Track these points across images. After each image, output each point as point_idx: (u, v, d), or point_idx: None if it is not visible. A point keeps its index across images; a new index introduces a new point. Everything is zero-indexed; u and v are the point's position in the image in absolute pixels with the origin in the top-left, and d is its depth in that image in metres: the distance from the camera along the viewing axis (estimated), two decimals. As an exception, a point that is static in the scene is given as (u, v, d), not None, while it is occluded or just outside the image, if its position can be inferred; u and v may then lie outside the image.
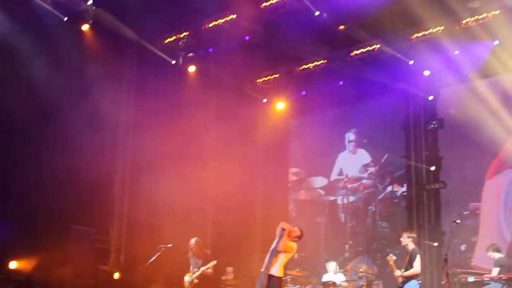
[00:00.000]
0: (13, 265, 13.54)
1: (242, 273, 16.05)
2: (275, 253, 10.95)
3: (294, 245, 11.19)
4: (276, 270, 11.13)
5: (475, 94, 15.56)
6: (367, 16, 14.64)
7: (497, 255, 13.31)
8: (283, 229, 11.08)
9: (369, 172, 17.54)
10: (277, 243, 11.04)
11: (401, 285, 11.49)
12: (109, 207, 16.20)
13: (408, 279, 11.43)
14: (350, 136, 18.19)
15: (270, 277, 11.09)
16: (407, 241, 11.70)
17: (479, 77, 15.65)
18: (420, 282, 11.31)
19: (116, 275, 15.16)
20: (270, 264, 10.96)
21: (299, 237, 11.27)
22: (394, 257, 11.80)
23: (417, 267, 11.33)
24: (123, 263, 15.94)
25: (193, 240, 12.99)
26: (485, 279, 12.78)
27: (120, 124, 16.80)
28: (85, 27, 15.50)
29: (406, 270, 11.43)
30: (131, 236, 16.23)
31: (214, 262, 12.55)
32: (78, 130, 14.52)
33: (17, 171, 13.70)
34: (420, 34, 15.28)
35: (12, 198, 13.71)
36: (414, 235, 11.85)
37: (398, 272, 11.53)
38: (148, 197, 15.86)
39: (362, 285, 14.39)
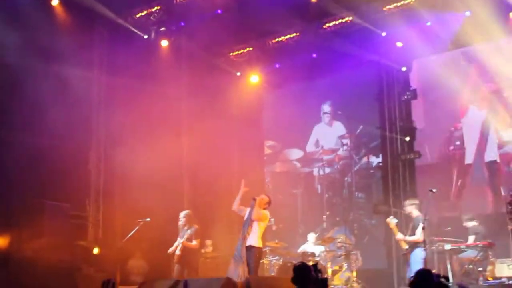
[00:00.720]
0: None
1: (220, 246, 16.10)
2: (249, 222, 11.43)
3: (266, 212, 11.68)
4: (255, 240, 11.35)
5: (447, 65, 15.70)
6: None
7: (471, 224, 13.54)
8: (254, 199, 11.45)
9: (344, 143, 17.62)
10: (250, 213, 11.37)
11: (406, 253, 11.55)
12: (85, 182, 16.06)
13: (412, 247, 11.53)
14: (325, 108, 18.24)
15: (250, 247, 11.26)
16: (410, 208, 11.78)
17: (451, 48, 15.80)
18: (425, 249, 11.26)
19: (95, 250, 15.07)
20: (245, 234, 11.23)
21: (269, 203, 11.85)
22: (395, 220, 11.83)
23: (418, 234, 11.38)
24: (101, 238, 15.87)
25: (183, 213, 12.92)
26: (461, 246, 12.96)
27: (92, 99, 16.58)
28: (55, 2, 15.27)
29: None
30: (108, 211, 16.14)
31: (191, 231, 12.48)
32: (50, 106, 14.29)
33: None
34: (392, 6, 15.34)
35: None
36: (417, 201, 11.93)
37: (400, 235, 11.57)
38: (124, 171, 15.76)
39: (341, 255, 14.55)
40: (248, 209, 11.68)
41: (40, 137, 14.25)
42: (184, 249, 12.39)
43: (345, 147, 17.60)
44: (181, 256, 12.38)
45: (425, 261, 11.28)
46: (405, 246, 11.66)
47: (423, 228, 11.29)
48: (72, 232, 14.73)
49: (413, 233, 11.56)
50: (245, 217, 11.60)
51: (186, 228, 12.59)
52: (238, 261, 11.25)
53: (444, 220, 14.77)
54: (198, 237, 12.69)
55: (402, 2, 15.17)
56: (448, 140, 15.87)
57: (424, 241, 11.32)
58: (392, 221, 11.86)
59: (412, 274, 10.60)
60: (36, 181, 14.21)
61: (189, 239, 12.41)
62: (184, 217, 12.76)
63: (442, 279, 6.83)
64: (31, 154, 14.16)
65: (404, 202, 12.00)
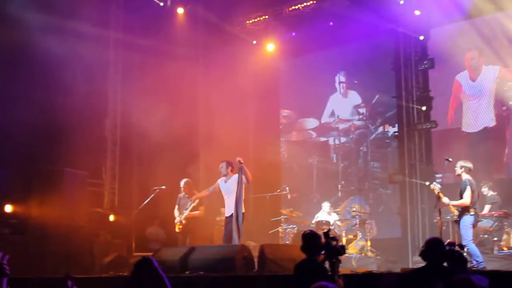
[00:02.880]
0: (8, 208, 13.59)
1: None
2: (241, 185, 11.67)
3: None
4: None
5: (465, 34, 15.55)
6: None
7: (489, 193, 13.50)
8: (241, 162, 11.71)
9: (360, 113, 17.56)
10: (240, 176, 11.60)
11: (457, 219, 11.43)
12: (102, 150, 16.20)
13: (461, 213, 11.26)
14: (341, 77, 18.12)
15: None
16: (460, 171, 11.50)
17: (470, 17, 15.62)
18: (473, 214, 11.12)
19: (111, 218, 15.25)
20: (241, 197, 11.67)
21: (228, 165, 12.14)
22: (439, 186, 11.66)
23: (466, 198, 11.13)
24: (117, 205, 16.04)
25: (183, 181, 13.12)
26: (476, 216, 12.90)
27: (108, 67, 16.68)
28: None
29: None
30: (124, 179, 16.30)
31: (194, 204, 12.66)
32: (69, 72, 14.38)
33: (7, 113, 13.60)
34: (411, -28, 15.16)
35: (4, 142, 13.67)
36: (468, 164, 11.54)
37: (446, 199, 11.35)
38: (140, 139, 15.89)
39: (355, 224, 14.60)
40: (231, 177, 11.95)
41: (57, 105, 14.37)
42: (189, 218, 12.62)
43: (360, 117, 17.53)
44: (184, 225, 12.62)
45: (474, 226, 11.18)
46: (456, 212, 11.35)
47: (472, 192, 11.14)
48: (89, 199, 14.94)
49: (460, 197, 11.29)
50: (234, 182, 11.82)
51: (186, 196, 12.79)
52: (234, 226, 11.44)
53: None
54: (202, 205, 12.85)
55: (421, -31, 14.96)
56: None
57: (472, 205, 11.18)
58: (436, 186, 11.56)
59: (464, 241, 10.72)
60: (54, 149, 14.38)
61: (194, 209, 12.63)
62: (184, 185, 12.94)
63: (457, 247, 6.85)
64: (48, 123, 14.30)
65: (456, 163, 11.75)
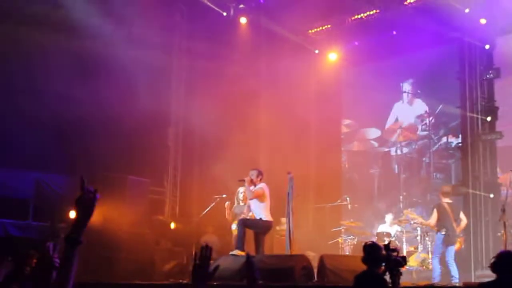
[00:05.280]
0: (72, 214, 13.81)
1: (296, 224, 16.14)
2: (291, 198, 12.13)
3: (260, 186, 12.11)
4: (262, 214, 11.97)
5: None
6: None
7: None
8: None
9: (423, 122, 17.31)
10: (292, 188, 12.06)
11: None
12: (164, 158, 16.42)
13: None
14: (406, 86, 17.93)
15: (260, 220, 12.01)
16: None
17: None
18: None
19: (172, 225, 15.41)
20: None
21: (259, 175, 12.21)
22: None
23: None
24: (178, 213, 16.21)
25: (242, 189, 13.12)
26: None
27: (172, 75, 16.92)
28: (137, -20, 15.58)
29: None
30: (185, 187, 16.47)
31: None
32: (134, 80, 14.67)
33: (75, 119, 13.95)
34: (477, -20, 14.87)
35: (70, 148, 14.02)
36: None
37: None
38: (202, 148, 16.04)
39: (416, 236, 14.39)
40: (258, 184, 12.13)
41: (122, 114, 14.63)
42: None
43: (423, 127, 17.28)
44: None
45: None
46: None
47: None
48: (151, 207, 15.14)
49: None
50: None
51: (242, 205, 12.86)
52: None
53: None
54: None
55: (487, -22, 14.67)
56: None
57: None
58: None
59: None
60: (118, 156, 14.63)
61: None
62: (243, 192, 13.00)
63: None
64: (113, 130, 14.57)
65: None
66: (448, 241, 12.48)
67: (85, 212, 3.89)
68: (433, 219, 12.70)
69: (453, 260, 12.42)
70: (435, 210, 12.68)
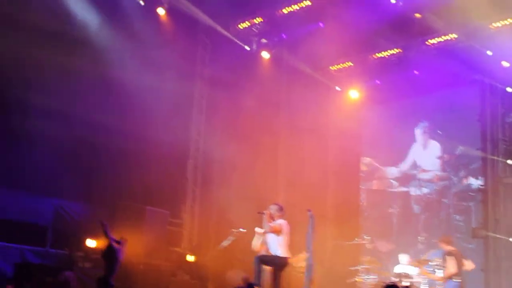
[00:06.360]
0: (90, 243, 13.81)
1: (314, 262, 16.00)
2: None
3: (279, 222, 11.83)
4: (279, 251, 11.67)
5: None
6: (443, 4, 14.35)
7: None
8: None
9: (443, 164, 17.19)
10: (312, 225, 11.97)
11: None
12: (182, 190, 16.42)
13: None
14: (421, 128, 17.84)
15: (276, 257, 11.69)
16: None
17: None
18: None
19: (191, 258, 15.30)
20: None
21: (280, 210, 11.97)
22: None
23: None
24: (195, 245, 16.13)
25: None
26: None
27: (193, 107, 17.00)
28: (161, 11, 15.76)
29: None
30: (203, 219, 16.41)
31: None
32: (155, 111, 14.73)
33: (95, 146, 14.00)
34: (500, 23, 14.78)
35: (89, 177, 14.05)
36: None
37: None
38: (220, 181, 16.00)
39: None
40: (277, 220, 11.88)
41: (142, 144, 14.67)
42: None
43: (443, 167, 17.16)
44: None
45: None
46: None
47: None
48: (168, 238, 15.09)
49: None
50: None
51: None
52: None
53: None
54: None
55: (510, 20, 14.63)
56: None
57: None
58: None
59: None
60: (137, 186, 14.65)
61: None
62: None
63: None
64: (133, 161, 14.61)
65: None
66: None
67: (114, 261, 3.91)
68: (453, 267, 12.30)
69: None
70: (452, 257, 12.30)
